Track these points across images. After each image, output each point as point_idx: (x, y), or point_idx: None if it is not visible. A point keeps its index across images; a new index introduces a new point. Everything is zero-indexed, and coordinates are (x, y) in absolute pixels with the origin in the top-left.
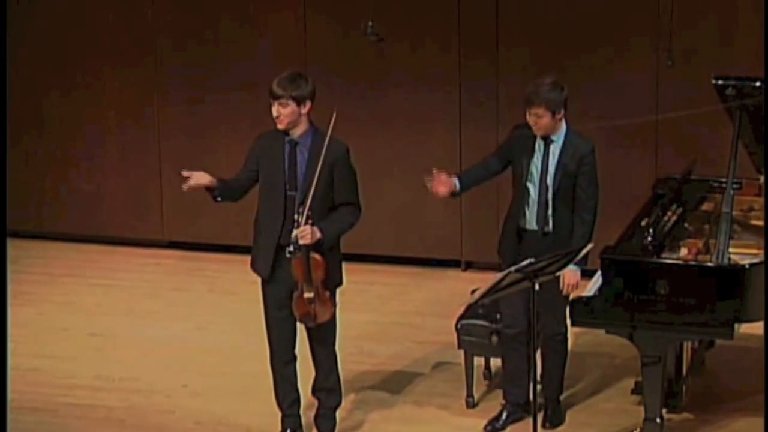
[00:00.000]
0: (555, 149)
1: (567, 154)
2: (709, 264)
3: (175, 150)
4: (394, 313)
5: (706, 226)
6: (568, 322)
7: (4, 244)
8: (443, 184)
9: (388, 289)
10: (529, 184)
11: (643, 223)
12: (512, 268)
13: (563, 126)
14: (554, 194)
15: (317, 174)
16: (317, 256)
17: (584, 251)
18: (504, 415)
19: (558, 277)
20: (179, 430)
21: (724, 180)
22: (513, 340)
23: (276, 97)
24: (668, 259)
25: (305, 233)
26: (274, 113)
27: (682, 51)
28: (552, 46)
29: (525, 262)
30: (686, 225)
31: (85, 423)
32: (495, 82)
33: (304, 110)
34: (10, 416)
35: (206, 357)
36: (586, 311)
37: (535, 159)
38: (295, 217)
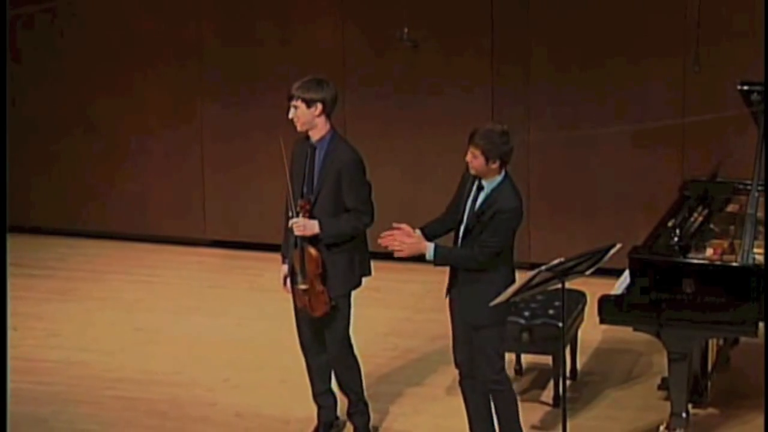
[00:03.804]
0: (481, 197)
1: (487, 203)
2: (734, 264)
3: (217, 152)
4: (428, 310)
5: (732, 227)
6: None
7: (4, 244)
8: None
9: (422, 287)
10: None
11: (670, 224)
12: (542, 267)
13: (499, 177)
14: (464, 234)
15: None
16: (312, 250)
17: (612, 251)
18: None
19: (492, 323)
20: (221, 421)
21: (749, 182)
22: (465, 380)
23: (289, 98)
24: (694, 258)
25: (297, 224)
26: (290, 115)
27: (708, 57)
28: (582, 52)
29: (555, 262)
30: (712, 226)
31: (130, 415)
32: (526, 87)
33: (316, 112)
34: (59, 409)
35: (246, 351)
36: (614, 309)
37: (468, 200)
38: (290, 209)
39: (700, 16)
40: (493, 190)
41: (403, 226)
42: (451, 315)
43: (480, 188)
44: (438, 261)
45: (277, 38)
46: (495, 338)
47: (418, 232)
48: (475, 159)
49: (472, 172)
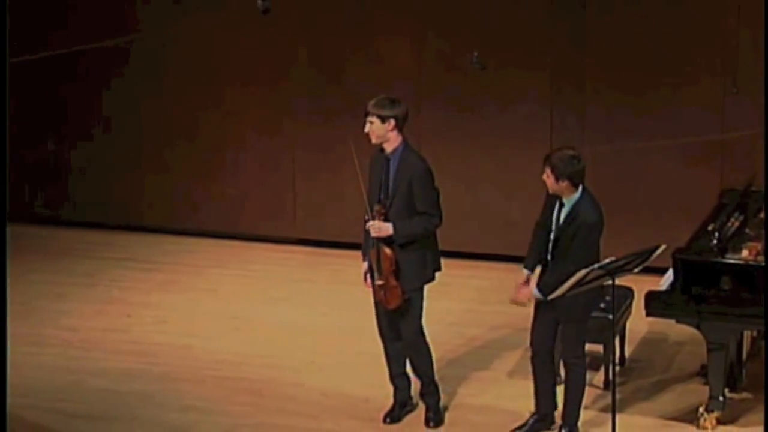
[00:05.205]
0: (563, 213)
1: (569, 218)
2: None
3: (305, 162)
4: (491, 303)
5: (765, 232)
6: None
7: (4, 241)
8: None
9: (485, 283)
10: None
11: (709, 228)
12: (595, 266)
13: (577, 194)
14: (553, 246)
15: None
16: (387, 250)
17: (657, 252)
18: (530, 422)
19: (577, 318)
20: (308, 399)
21: None
22: (537, 358)
23: (365, 115)
24: (731, 259)
25: (373, 227)
26: (365, 129)
27: (745, 79)
28: (632, 72)
29: (606, 261)
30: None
31: (228, 392)
32: (582, 106)
33: (389, 128)
34: (166, 386)
35: (330, 338)
36: (659, 304)
37: (553, 215)
38: (367, 213)
39: (737, 45)
40: (573, 206)
41: (519, 284)
42: (536, 306)
43: (562, 205)
44: (547, 294)
45: (359, 60)
46: (578, 329)
47: (525, 271)
48: (547, 178)
49: (549, 191)
